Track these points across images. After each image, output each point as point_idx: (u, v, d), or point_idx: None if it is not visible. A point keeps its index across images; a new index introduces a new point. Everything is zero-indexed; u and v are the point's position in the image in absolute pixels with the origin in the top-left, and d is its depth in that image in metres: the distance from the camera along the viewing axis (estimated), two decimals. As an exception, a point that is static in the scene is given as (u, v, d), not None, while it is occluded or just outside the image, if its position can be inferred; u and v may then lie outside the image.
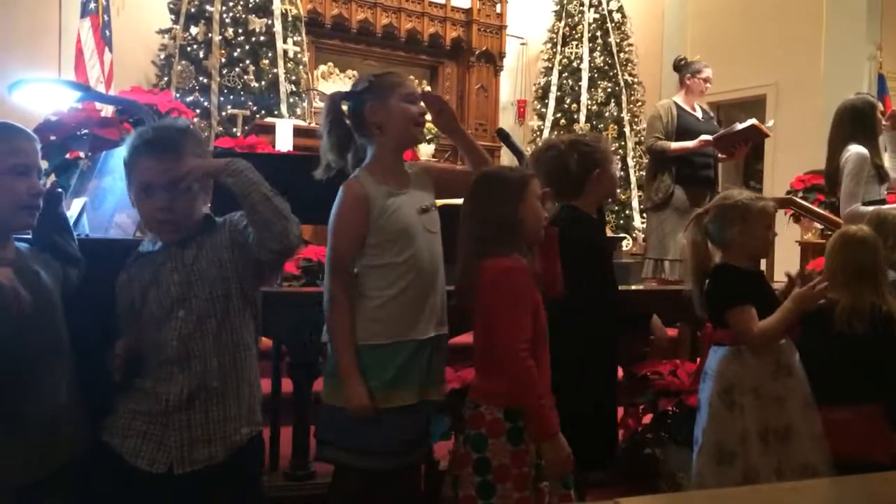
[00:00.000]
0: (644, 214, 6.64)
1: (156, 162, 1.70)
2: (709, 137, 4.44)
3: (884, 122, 3.81)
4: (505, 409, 1.85)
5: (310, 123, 6.11)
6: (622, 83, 7.96)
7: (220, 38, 6.11)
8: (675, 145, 4.53)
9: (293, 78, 6.33)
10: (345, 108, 2.04)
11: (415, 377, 1.96)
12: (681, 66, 4.81)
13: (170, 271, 1.74)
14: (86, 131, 3.19)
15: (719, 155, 4.58)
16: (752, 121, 4.37)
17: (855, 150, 3.68)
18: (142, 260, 1.79)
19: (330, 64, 7.99)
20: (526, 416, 1.83)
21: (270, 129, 5.23)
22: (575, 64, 8.01)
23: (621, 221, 7.49)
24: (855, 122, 3.78)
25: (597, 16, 8.08)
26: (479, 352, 1.95)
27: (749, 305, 2.30)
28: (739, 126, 4.39)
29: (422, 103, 2.07)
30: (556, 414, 1.86)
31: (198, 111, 5.84)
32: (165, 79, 6.13)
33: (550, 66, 8.14)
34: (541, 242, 1.98)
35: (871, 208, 3.55)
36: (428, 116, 2.09)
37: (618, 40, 8.07)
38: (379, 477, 1.97)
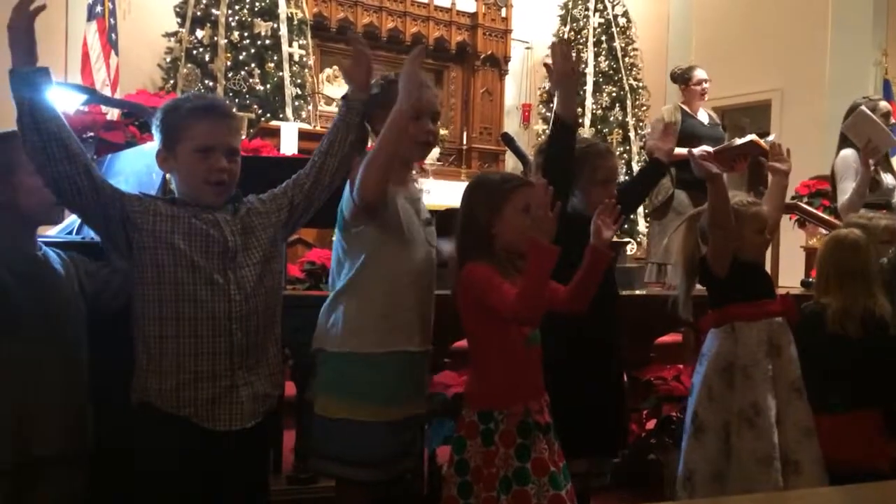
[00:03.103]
0: (648, 219, 6.63)
1: (219, 126, 1.72)
2: (709, 149, 4.45)
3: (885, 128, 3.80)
4: (479, 411, 1.87)
5: (315, 127, 6.12)
6: (627, 88, 7.96)
7: (226, 41, 6.13)
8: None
9: (298, 81, 6.35)
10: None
11: (404, 392, 1.96)
12: (676, 77, 4.83)
13: (215, 224, 1.71)
14: (91, 134, 3.19)
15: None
16: (752, 136, 4.39)
17: (842, 154, 3.72)
18: (164, 205, 1.72)
19: (335, 67, 7.99)
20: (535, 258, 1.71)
21: (275, 133, 5.24)
22: (580, 68, 8.00)
23: (625, 226, 7.48)
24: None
25: (602, 20, 8.08)
26: (470, 354, 1.96)
27: None
28: (738, 141, 4.41)
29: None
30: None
31: (203, 114, 5.84)
32: (171, 82, 6.14)
33: (555, 70, 8.13)
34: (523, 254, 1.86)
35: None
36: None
37: (623, 45, 8.08)
38: (377, 490, 1.97)
